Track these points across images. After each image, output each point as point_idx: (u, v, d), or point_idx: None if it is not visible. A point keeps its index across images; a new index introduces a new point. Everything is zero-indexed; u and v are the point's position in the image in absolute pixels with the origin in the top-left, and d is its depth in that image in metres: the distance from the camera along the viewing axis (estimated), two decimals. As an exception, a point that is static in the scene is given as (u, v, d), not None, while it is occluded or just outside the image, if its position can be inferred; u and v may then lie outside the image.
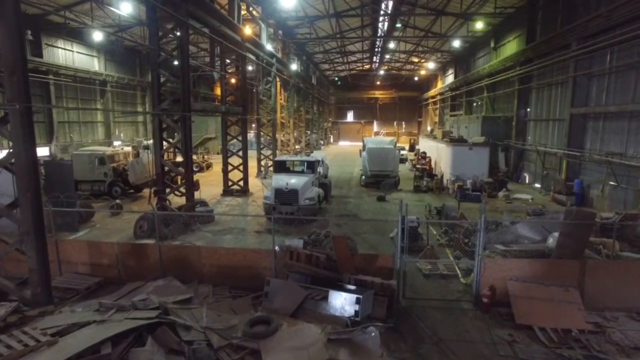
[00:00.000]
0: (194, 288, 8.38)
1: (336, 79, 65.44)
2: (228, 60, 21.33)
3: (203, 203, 15.22)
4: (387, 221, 13.07)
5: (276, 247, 8.44)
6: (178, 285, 8.40)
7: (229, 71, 22.20)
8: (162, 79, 13.91)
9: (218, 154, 30.54)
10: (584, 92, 18.00)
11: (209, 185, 21.20)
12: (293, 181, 14.51)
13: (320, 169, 17.07)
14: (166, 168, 14.24)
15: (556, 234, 8.87)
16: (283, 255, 8.33)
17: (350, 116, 71.15)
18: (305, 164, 16.42)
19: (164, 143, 14.17)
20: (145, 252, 9.04)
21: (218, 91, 32.90)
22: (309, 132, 46.36)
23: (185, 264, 8.86)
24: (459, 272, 9.59)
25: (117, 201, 16.57)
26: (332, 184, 19.85)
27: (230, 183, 19.91)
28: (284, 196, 14.09)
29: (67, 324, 6.10)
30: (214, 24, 15.83)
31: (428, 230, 12.03)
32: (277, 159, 18.97)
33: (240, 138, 20.61)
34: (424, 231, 11.86)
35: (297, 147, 37.02)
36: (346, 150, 48.74)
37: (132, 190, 19.38)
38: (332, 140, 66.32)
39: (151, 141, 18.98)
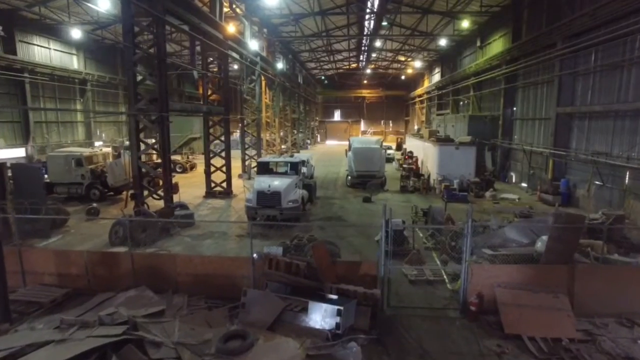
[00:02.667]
0: (168, 299, 7.93)
1: (323, 77, 65.04)
2: (211, 59, 20.77)
3: (183, 206, 14.66)
4: (371, 226, 12.75)
5: (254, 255, 8.00)
6: (151, 296, 7.93)
7: (211, 70, 21.56)
8: (138, 78, 13.36)
9: (203, 154, 29.85)
10: (569, 91, 17.92)
11: (192, 187, 20.64)
12: (276, 183, 14.05)
13: (304, 170, 16.65)
14: (144, 170, 13.70)
15: (544, 238, 8.62)
16: (261, 263, 7.92)
17: (337, 115, 70.87)
18: (289, 165, 15.96)
19: (141, 144, 13.64)
20: (117, 260, 8.55)
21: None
22: (295, 131, 45.88)
23: (159, 273, 8.39)
24: (445, 277, 9.30)
25: (94, 204, 15.93)
26: (317, 185, 19.45)
27: (213, 184, 19.39)
28: (266, 199, 13.61)
29: (21, 346, 5.57)
30: (193, 21, 15.32)
31: (414, 233, 11.73)
32: (259, 160, 18.48)
33: (223, 138, 20.08)
34: (410, 234, 11.54)
35: (283, 147, 36.55)
36: (333, 150, 48.31)
37: (111, 193, 18.74)
38: (319, 139, 65.93)
39: (131, 142, 18.37)
